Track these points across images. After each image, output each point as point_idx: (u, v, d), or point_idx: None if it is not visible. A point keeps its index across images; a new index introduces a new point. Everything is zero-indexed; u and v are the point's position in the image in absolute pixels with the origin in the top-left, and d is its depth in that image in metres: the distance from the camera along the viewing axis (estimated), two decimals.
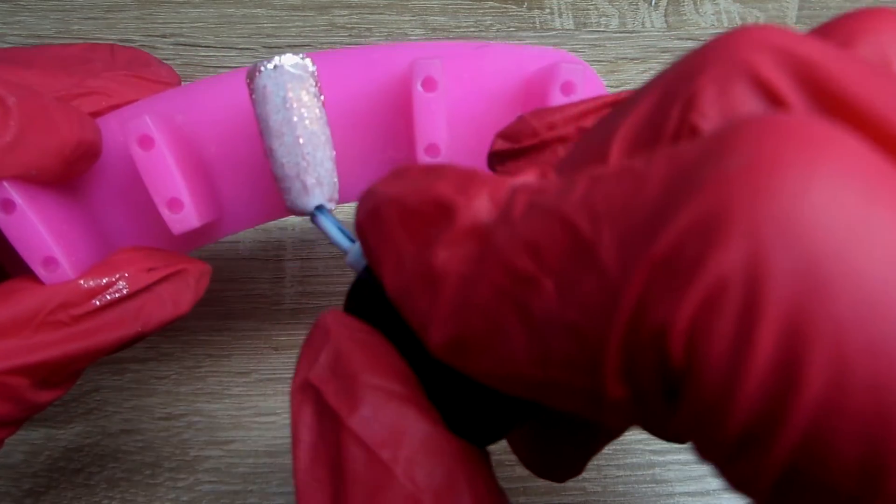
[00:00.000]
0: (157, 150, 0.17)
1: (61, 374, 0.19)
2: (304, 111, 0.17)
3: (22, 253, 0.18)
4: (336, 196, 0.18)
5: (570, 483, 0.28)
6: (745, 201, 0.07)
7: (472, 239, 0.10)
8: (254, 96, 0.17)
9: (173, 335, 0.30)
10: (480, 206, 0.11)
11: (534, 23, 0.37)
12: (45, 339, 0.18)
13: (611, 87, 0.35)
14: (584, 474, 0.28)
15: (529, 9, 0.37)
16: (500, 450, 0.29)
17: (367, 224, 0.12)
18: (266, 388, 0.29)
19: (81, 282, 0.19)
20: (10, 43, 0.35)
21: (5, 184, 0.17)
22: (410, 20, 0.37)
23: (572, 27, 0.37)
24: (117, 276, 0.19)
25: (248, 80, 0.17)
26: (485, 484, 0.11)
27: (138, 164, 0.17)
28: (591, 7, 0.37)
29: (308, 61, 0.17)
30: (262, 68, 0.17)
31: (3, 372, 0.17)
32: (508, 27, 0.37)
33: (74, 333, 0.18)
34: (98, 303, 0.19)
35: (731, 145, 0.08)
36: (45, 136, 0.17)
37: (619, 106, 0.12)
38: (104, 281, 0.19)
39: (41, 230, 0.18)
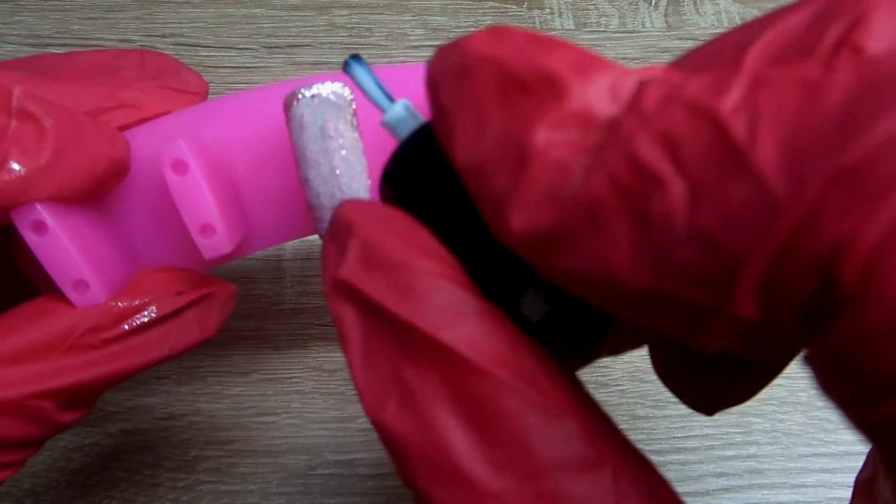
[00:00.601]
0: (191, 176, 0.17)
1: (87, 397, 0.19)
2: (341, 140, 0.16)
3: (53, 275, 0.18)
4: None
5: None
6: None
7: (581, 126, 0.10)
8: (290, 125, 0.17)
9: None
10: (598, 93, 0.10)
11: (534, 23, 0.37)
12: (74, 362, 0.18)
13: None
14: None
15: (529, 9, 0.37)
16: None
17: (447, 80, 0.11)
18: (266, 388, 0.29)
19: (112, 304, 0.19)
20: (10, 43, 0.35)
21: (38, 206, 0.17)
22: (410, 20, 0.37)
23: (572, 27, 0.37)
24: (147, 299, 0.19)
25: (285, 108, 0.17)
26: (548, 357, 0.11)
27: (172, 189, 0.17)
28: (591, 7, 0.37)
29: (347, 90, 0.17)
30: (301, 96, 0.16)
31: (31, 395, 0.17)
32: None
33: (103, 357, 0.18)
34: (127, 327, 0.19)
35: None
36: (79, 157, 0.17)
37: (750, 23, 0.11)
38: (134, 304, 0.19)
39: (72, 252, 0.17)
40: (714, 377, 0.16)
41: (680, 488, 0.28)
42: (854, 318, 0.07)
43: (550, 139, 0.10)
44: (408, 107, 0.13)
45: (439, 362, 0.10)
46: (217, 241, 0.18)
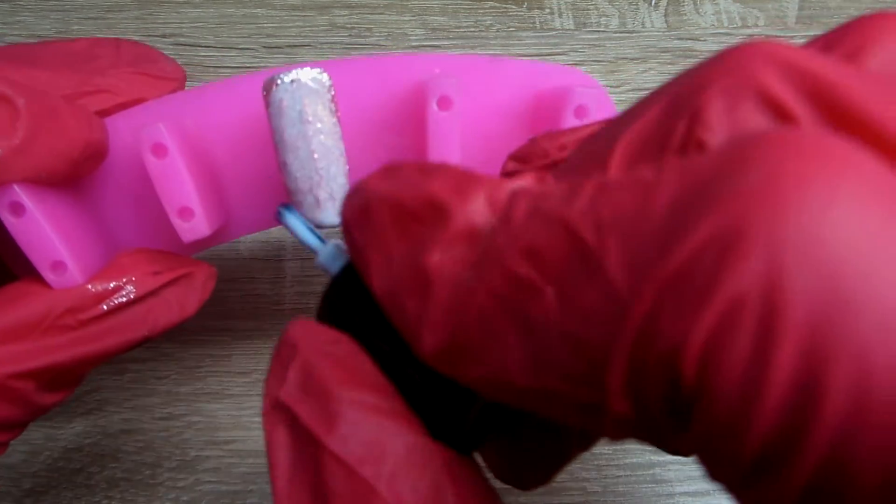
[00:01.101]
0: (171, 159, 0.17)
1: (67, 378, 0.19)
2: (319, 125, 0.17)
3: (31, 257, 0.18)
4: None
5: (570, 483, 0.28)
6: (765, 217, 0.07)
7: (467, 242, 0.10)
8: (269, 109, 0.17)
9: (173, 335, 0.30)
10: (477, 209, 0.10)
11: (534, 23, 0.37)
12: (53, 342, 0.18)
13: (611, 87, 0.35)
14: (584, 474, 0.28)
15: (529, 9, 0.37)
16: None
17: (355, 221, 0.12)
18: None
19: (89, 286, 0.19)
20: (10, 42, 0.35)
21: (15, 187, 0.17)
22: (410, 20, 0.37)
23: (572, 27, 0.37)
24: (124, 279, 0.19)
25: (264, 93, 0.17)
26: (473, 490, 0.11)
27: (151, 172, 0.17)
28: (591, 7, 0.37)
29: (325, 75, 0.17)
30: (279, 81, 0.16)
31: (10, 376, 0.17)
32: (508, 27, 0.37)
33: (81, 337, 0.18)
34: (105, 307, 0.19)
35: (748, 160, 0.08)
36: (55, 137, 0.17)
37: (620, 116, 0.12)
38: (111, 285, 0.19)
39: (50, 234, 0.18)
40: (531, 458, 0.16)
41: (680, 488, 0.28)
42: (704, 412, 0.08)
43: (442, 259, 0.10)
44: (338, 246, 0.14)
45: (354, 498, 0.10)
46: (195, 224, 0.18)
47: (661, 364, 0.08)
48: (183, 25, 0.37)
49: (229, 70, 0.36)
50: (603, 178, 0.09)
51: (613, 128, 0.11)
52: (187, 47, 0.36)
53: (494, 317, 0.10)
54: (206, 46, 0.36)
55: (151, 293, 0.19)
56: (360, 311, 0.13)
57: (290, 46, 0.37)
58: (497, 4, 0.38)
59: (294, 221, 0.15)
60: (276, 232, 0.32)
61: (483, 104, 0.21)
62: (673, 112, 0.10)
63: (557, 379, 0.09)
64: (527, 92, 0.20)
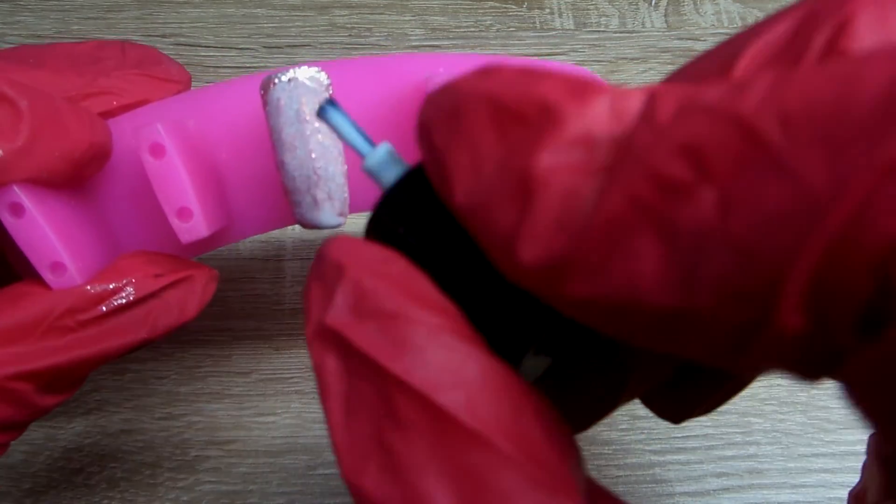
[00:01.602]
0: (168, 159, 0.17)
1: (67, 380, 0.19)
2: (317, 125, 0.16)
3: (30, 257, 0.18)
4: (346, 211, 0.18)
5: None
6: None
7: (584, 147, 0.09)
8: (267, 108, 0.17)
9: (173, 335, 0.30)
10: (597, 116, 0.09)
11: (534, 23, 0.37)
12: (52, 344, 0.18)
13: None
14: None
15: (529, 9, 0.37)
16: None
17: (440, 123, 0.11)
18: (266, 388, 0.29)
19: (88, 287, 0.19)
20: (10, 43, 0.35)
21: (15, 188, 0.17)
22: (410, 20, 0.37)
23: (572, 27, 0.37)
24: (124, 281, 0.19)
25: (262, 92, 0.17)
26: (549, 416, 0.10)
27: (149, 172, 0.17)
28: (591, 7, 0.37)
29: (323, 74, 0.17)
30: (277, 80, 0.16)
31: (9, 377, 0.17)
32: (508, 27, 0.37)
33: (81, 339, 0.18)
34: (105, 308, 0.19)
35: None
36: (57, 139, 0.17)
37: (745, 31, 0.10)
38: (111, 286, 0.19)
39: (50, 235, 0.18)
40: (689, 392, 0.15)
41: (680, 488, 0.28)
42: None
43: (554, 166, 0.09)
44: (390, 151, 0.13)
45: (431, 427, 0.09)
46: (194, 225, 0.18)
47: (867, 266, 0.07)
48: (183, 25, 0.37)
49: (229, 70, 0.36)
50: (784, 72, 0.08)
51: (737, 42, 0.10)
52: (187, 47, 0.36)
53: (628, 226, 0.09)
54: (206, 46, 0.36)
55: (151, 295, 0.19)
56: (421, 226, 0.12)
57: (290, 46, 0.37)
58: (497, 4, 0.38)
59: (339, 119, 0.14)
60: (276, 232, 0.32)
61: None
62: (811, 23, 0.10)
63: (710, 294, 0.08)
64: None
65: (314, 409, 0.29)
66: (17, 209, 0.17)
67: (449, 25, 0.37)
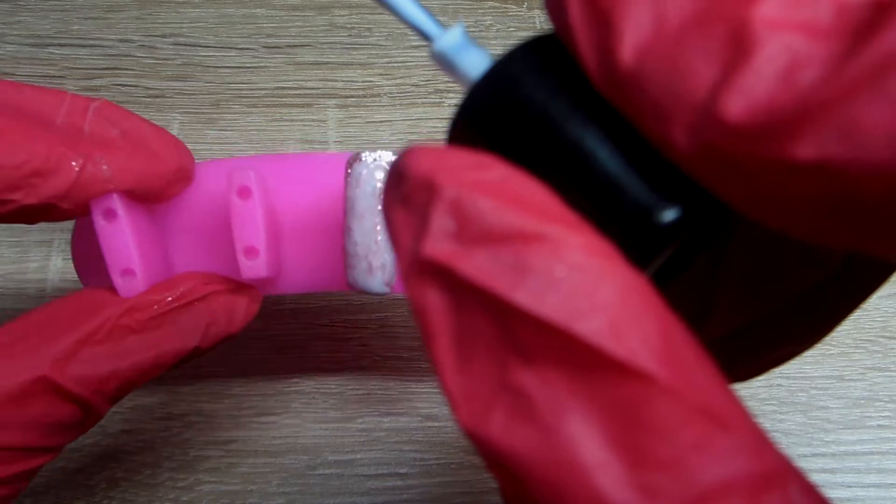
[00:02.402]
0: (252, 202, 0.20)
1: (126, 387, 0.20)
2: None
3: (108, 259, 0.20)
4: (393, 282, 0.20)
5: None
6: None
7: (811, 7, 0.08)
8: (349, 178, 0.19)
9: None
10: None
11: (534, 23, 0.37)
12: (114, 348, 0.19)
13: None
14: None
15: (529, 9, 0.37)
16: None
17: None
18: (266, 388, 0.29)
19: (149, 293, 0.20)
20: (10, 43, 0.35)
21: (115, 196, 0.19)
22: None
23: None
24: (181, 290, 0.20)
25: (347, 164, 0.19)
26: (693, 335, 0.09)
27: (232, 210, 0.20)
28: None
29: None
30: (364, 158, 0.19)
31: (75, 379, 0.18)
32: (508, 27, 0.37)
33: (140, 341, 0.19)
34: (157, 308, 0.20)
35: None
36: (151, 159, 0.20)
37: None
38: (168, 296, 0.20)
39: (130, 242, 0.19)
40: (763, 339, 0.14)
41: None
42: None
43: (777, 17, 0.08)
44: (465, 32, 0.11)
45: (569, 361, 0.08)
46: (256, 264, 0.20)
47: None
48: (183, 25, 0.37)
49: (229, 70, 0.36)
50: None
51: None
52: (187, 47, 0.36)
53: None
54: (206, 46, 0.36)
55: (202, 299, 0.21)
56: (531, 112, 0.10)
57: (290, 46, 0.37)
58: (497, 4, 0.38)
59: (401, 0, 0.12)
60: None
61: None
62: None
63: None
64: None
65: (314, 409, 0.29)
66: (110, 214, 0.19)
67: (449, 25, 0.37)
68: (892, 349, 0.31)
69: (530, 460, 0.08)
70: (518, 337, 0.08)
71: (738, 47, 0.08)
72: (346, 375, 0.30)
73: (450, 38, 0.11)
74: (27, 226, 0.31)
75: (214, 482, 0.27)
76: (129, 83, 0.35)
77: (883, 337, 0.31)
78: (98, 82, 0.35)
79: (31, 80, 0.35)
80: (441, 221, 0.09)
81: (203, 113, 0.35)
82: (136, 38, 0.36)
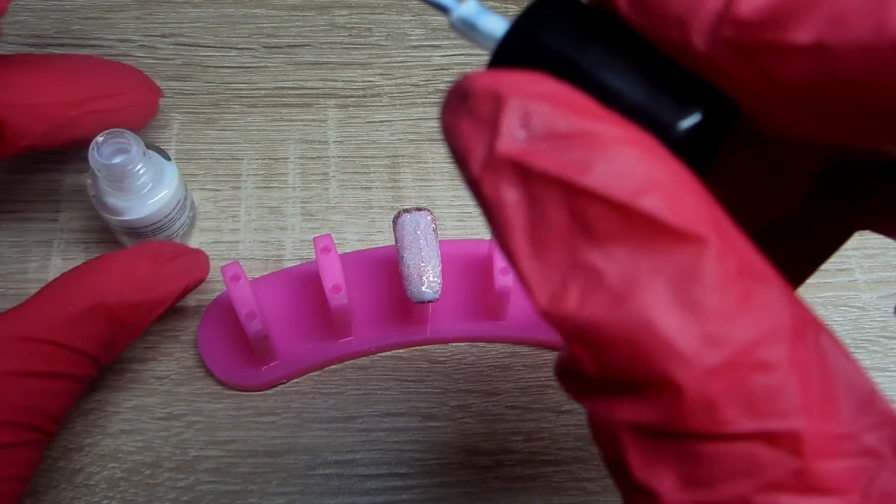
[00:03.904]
0: (332, 255, 0.28)
1: (138, 323, 0.26)
2: (425, 239, 0.27)
3: (236, 306, 0.27)
4: (439, 291, 0.27)
5: (569, 483, 0.28)
6: None
7: None
8: (396, 226, 0.27)
9: (173, 335, 0.30)
10: None
11: None
12: (130, 284, 0.26)
13: None
14: (584, 474, 0.28)
15: None
16: (499, 449, 0.28)
17: None
18: (266, 387, 0.29)
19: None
20: (10, 43, 0.35)
21: (239, 264, 0.28)
22: (410, 20, 0.38)
23: None
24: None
25: (394, 219, 0.28)
26: (728, 213, 0.10)
27: (319, 261, 0.28)
28: None
29: (431, 216, 0.27)
30: (406, 212, 0.27)
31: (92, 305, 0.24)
32: None
33: (148, 282, 0.26)
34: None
35: None
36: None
37: None
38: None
39: (248, 293, 0.28)
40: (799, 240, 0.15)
41: None
42: None
43: None
44: (479, 3, 0.12)
45: (635, 234, 0.09)
46: (340, 297, 0.27)
47: None
48: (183, 25, 0.37)
49: (229, 70, 0.36)
50: None
51: None
52: (187, 47, 0.36)
53: None
54: (206, 46, 0.36)
55: (183, 253, 0.28)
56: (564, 37, 0.11)
57: (289, 46, 0.37)
58: (497, 4, 0.38)
59: None
60: (275, 232, 0.32)
61: None
62: None
63: None
64: None
65: (314, 409, 0.29)
66: (236, 278, 0.28)
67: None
68: (892, 349, 0.31)
69: (607, 326, 0.10)
70: (588, 218, 0.10)
71: None
72: (347, 376, 0.30)
73: (468, 6, 0.12)
74: (27, 226, 0.32)
75: (214, 482, 0.27)
76: None
77: (883, 337, 0.31)
78: None
79: None
80: (511, 124, 0.10)
81: (203, 113, 0.35)
82: (136, 38, 0.36)
